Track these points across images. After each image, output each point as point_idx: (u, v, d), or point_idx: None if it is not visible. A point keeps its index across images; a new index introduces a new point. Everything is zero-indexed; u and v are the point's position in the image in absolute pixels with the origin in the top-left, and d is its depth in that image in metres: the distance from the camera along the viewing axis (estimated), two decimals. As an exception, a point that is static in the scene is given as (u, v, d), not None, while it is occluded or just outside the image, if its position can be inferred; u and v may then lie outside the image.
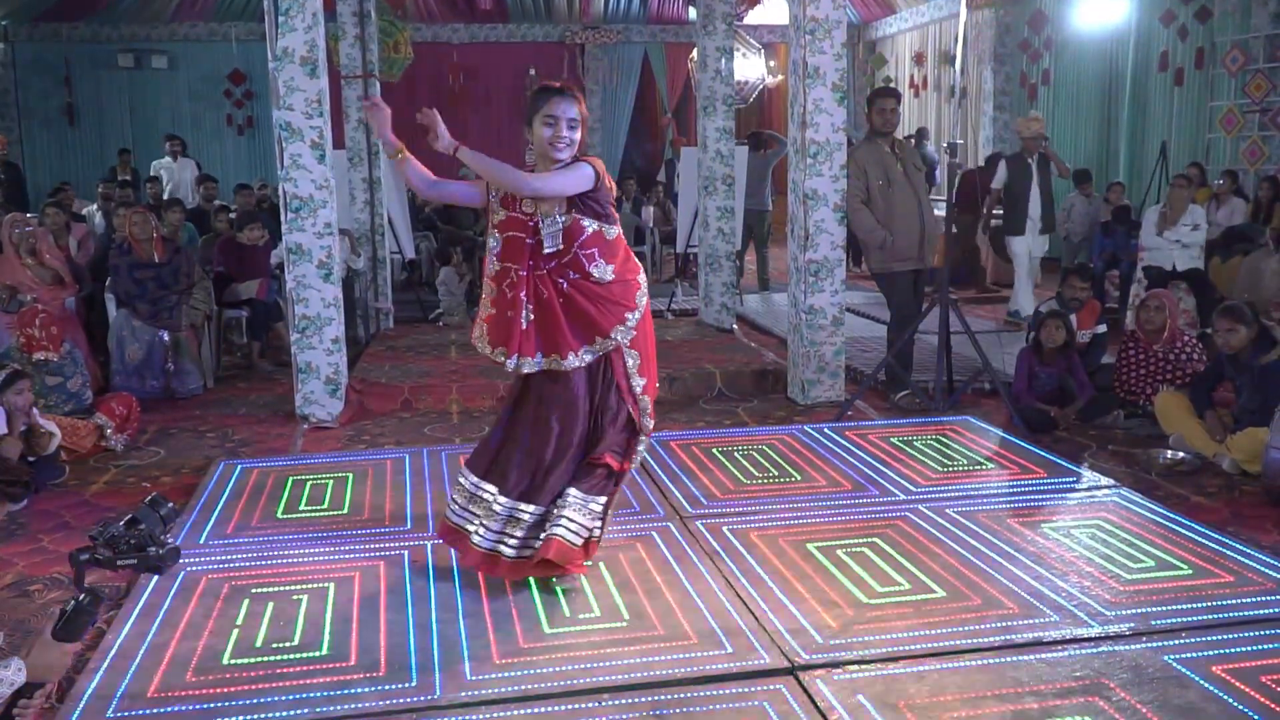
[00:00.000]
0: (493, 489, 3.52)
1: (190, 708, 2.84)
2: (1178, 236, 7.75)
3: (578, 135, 3.38)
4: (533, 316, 3.40)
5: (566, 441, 3.51)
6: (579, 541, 3.46)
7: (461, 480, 3.63)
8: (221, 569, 3.74)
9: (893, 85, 12.91)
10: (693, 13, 11.71)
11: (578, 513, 3.46)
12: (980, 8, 13.07)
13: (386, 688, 2.94)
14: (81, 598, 2.29)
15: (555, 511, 3.46)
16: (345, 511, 4.39)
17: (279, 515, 4.35)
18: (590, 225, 3.40)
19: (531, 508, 3.50)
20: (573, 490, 3.48)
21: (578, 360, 3.44)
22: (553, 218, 3.37)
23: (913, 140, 11.86)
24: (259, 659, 3.11)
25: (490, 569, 3.52)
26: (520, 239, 3.40)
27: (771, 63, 15.59)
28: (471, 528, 3.54)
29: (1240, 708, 2.76)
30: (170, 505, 2.37)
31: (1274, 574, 3.62)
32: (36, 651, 2.30)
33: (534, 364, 3.45)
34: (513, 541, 3.48)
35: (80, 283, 6.94)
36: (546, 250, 3.38)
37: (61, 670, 2.42)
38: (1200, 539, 3.96)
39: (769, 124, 16.37)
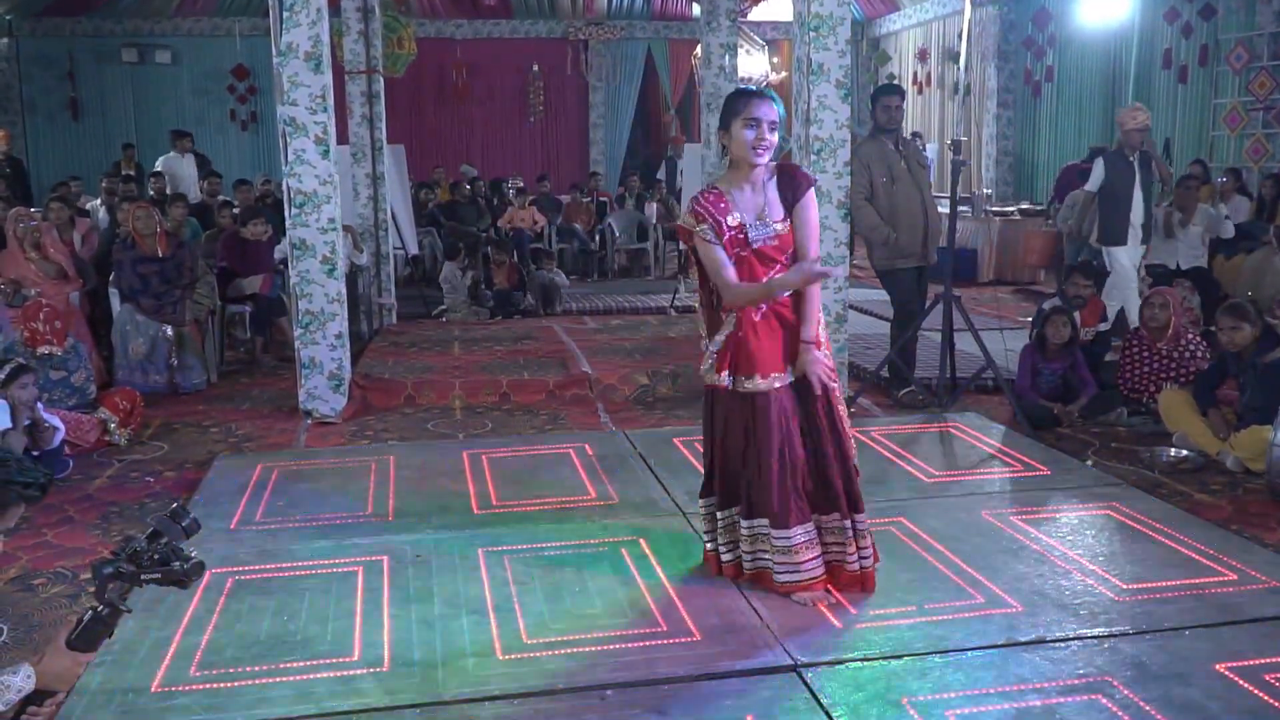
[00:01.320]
0: (800, 528, 3.39)
1: (194, 702, 2.85)
2: (1188, 240, 7.67)
3: (776, 138, 3.32)
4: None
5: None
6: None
7: (777, 540, 3.39)
8: (225, 564, 3.75)
9: (896, 82, 12.91)
10: (696, 9, 11.71)
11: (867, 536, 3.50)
12: (984, 4, 13.05)
13: (390, 683, 2.95)
14: (100, 608, 2.29)
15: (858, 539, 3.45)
16: (348, 507, 4.39)
17: (282, 510, 4.36)
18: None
19: (839, 517, 3.43)
20: (857, 516, 3.45)
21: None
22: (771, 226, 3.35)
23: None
24: (262, 654, 3.12)
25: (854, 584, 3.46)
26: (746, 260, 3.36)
27: (775, 59, 15.60)
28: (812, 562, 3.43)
29: (1243, 705, 2.77)
30: (192, 517, 2.37)
31: (1277, 572, 3.62)
32: (48, 659, 2.30)
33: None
34: (853, 555, 3.44)
35: (84, 277, 6.94)
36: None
37: (72, 680, 2.42)
38: (1204, 537, 3.96)
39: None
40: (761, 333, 3.33)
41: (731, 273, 3.29)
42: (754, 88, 3.39)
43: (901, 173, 6.12)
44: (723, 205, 3.32)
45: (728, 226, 3.30)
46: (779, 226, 3.33)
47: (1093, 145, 11.62)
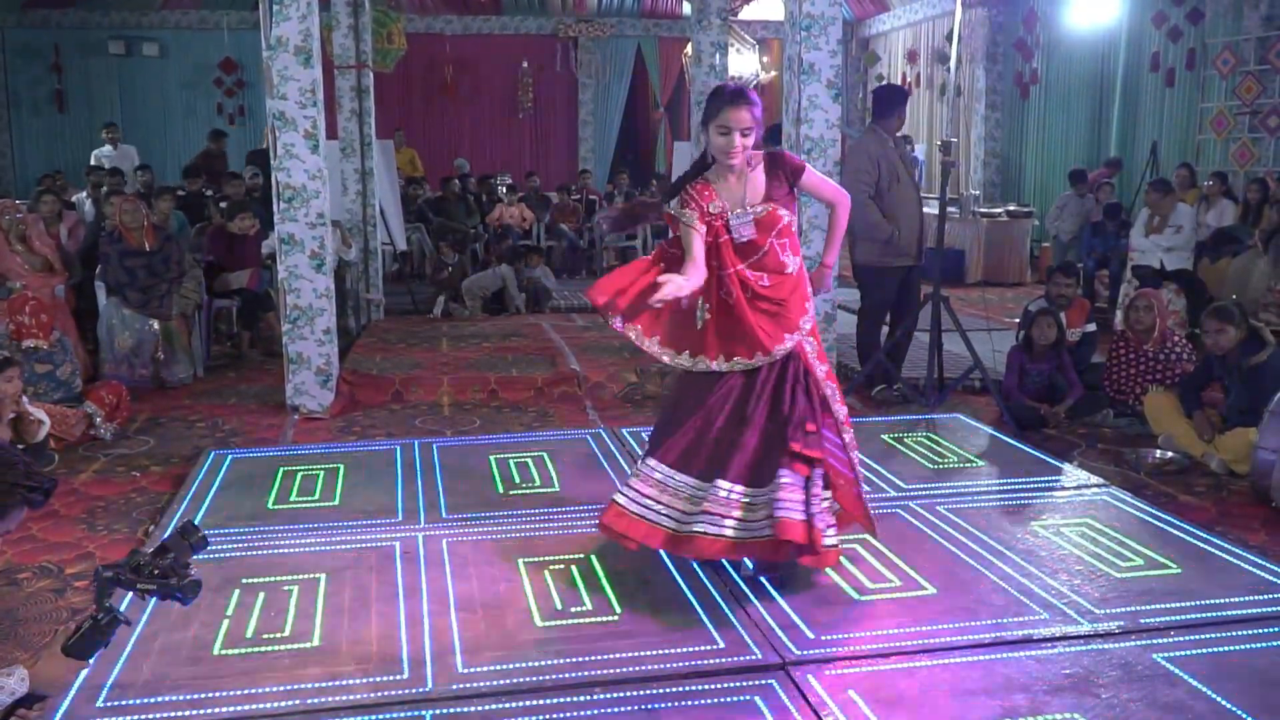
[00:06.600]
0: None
1: (180, 698, 2.84)
2: (1168, 243, 7.79)
3: (751, 140, 3.39)
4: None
5: None
6: None
7: None
8: (211, 559, 3.73)
9: (887, 83, 12.92)
10: (687, 7, 11.71)
11: None
12: (973, 6, 13.09)
13: (378, 679, 2.94)
14: (99, 616, 2.29)
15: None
16: (336, 503, 4.38)
17: (269, 506, 4.34)
18: (785, 214, 3.49)
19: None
20: None
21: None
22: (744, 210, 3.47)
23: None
24: (249, 650, 3.11)
25: None
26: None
27: (765, 58, 15.62)
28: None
29: (1227, 705, 2.79)
30: (201, 534, 2.38)
31: (1261, 572, 3.65)
32: (43, 663, 2.31)
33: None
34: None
35: (70, 270, 6.91)
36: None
37: (65, 686, 2.43)
38: (1188, 538, 3.98)
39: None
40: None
41: (698, 254, 3.42)
42: (732, 88, 3.40)
43: (902, 173, 6.13)
44: (707, 194, 3.48)
45: (708, 213, 3.46)
46: (758, 210, 3.44)
47: (1073, 168, 11.62)
